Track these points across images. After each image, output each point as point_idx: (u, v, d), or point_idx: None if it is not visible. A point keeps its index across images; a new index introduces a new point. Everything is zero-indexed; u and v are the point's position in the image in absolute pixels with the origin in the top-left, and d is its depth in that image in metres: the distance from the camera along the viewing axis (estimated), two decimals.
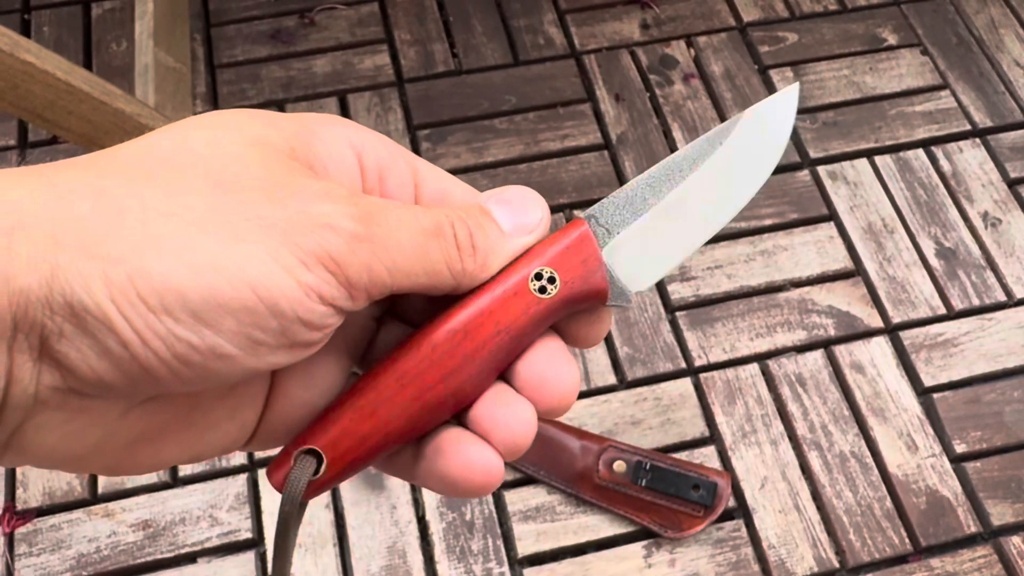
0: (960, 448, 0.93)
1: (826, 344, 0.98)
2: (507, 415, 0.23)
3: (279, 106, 1.13)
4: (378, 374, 0.23)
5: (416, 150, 1.09)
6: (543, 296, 0.24)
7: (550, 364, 0.24)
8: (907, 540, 0.88)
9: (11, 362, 0.18)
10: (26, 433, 0.19)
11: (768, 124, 0.27)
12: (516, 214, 0.24)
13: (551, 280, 0.24)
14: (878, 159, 1.11)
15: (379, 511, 0.88)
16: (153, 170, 0.20)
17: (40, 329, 0.18)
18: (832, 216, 1.07)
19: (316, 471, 0.22)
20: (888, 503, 0.90)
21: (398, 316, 0.27)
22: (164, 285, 0.18)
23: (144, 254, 0.18)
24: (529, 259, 0.24)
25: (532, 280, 0.24)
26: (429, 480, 0.24)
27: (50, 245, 0.17)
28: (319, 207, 0.20)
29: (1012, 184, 1.10)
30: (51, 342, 0.18)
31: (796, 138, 1.13)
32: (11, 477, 0.88)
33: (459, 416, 0.24)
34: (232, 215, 0.19)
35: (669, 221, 0.26)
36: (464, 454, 0.23)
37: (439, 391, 0.23)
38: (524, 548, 0.86)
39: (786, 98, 0.27)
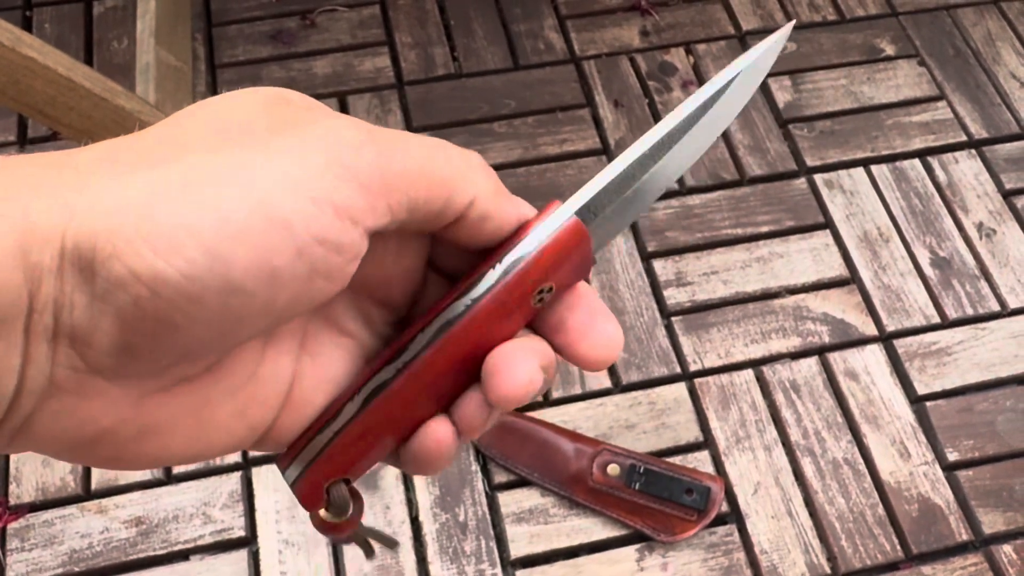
0: (952, 456, 0.93)
1: (820, 351, 0.99)
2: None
3: None
4: (380, 406, 0.23)
5: None
6: (539, 306, 0.24)
7: (591, 318, 0.24)
8: (899, 547, 0.88)
9: (27, 343, 0.18)
10: (40, 419, 0.19)
11: (761, 67, 0.26)
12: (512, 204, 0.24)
13: (549, 291, 0.24)
14: (874, 168, 1.12)
15: (372, 511, 0.88)
16: (166, 133, 0.20)
17: (53, 303, 0.18)
18: (828, 224, 1.08)
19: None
20: (880, 510, 0.90)
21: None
22: (172, 225, 0.18)
23: (150, 200, 0.18)
24: (535, 275, 0.23)
25: (534, 297, 0.24)
26: (404, 462, 0.24)
27: (63, 213, 0.17)
28: (323, 123, 0.20)
29: (1007, 195, 1.11)
30: (63, 315, 0.18)
31: (793, 146, 1.14)
32: (4, 472, 0.88)
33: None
34: (237, 148, 0.19)
35: (650, 187, 0.25)
36: (431, 432, 0.23)
37: (430, 409, 0.24)
38: (517, 550, 0.86)
39: (780, 37, 0.27)
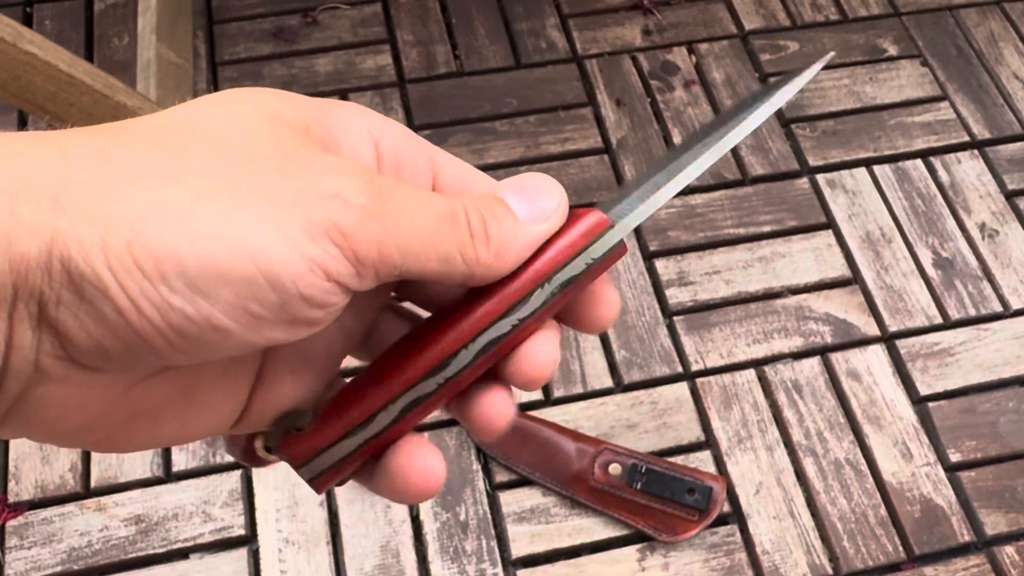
0: (955, 457, 0.93)
1: (823, 351, 0.98)
2: (485, 399, 0.24)
3: None
4: (415, 417, 0.24)
5: None
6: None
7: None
8: (901, 548, 0.88)
9: (11, 329, 0.18)
10: (28, 404, 0.19)
11: (796, 90, 0.27)
12: (532, 202, 0.23)
13: None
14: (877, 168, 1.12)
15: (373, 510, 0.87)
16: (164, 139, 0.19)
17: (39, 295, 0.17)
18: (830, 224, 1.07)
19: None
20: (882, 511, 0.90)
21: (400, 306, 0.26)
22: (162, 252, 0.18)
23: (145, 220, 0.18)
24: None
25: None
26: (384, 484, 0.24)
27: (52, 209, 0.17)
28: (329, 180, 0.20)
29: (1009, 196, 1.11)
30: (48, 309, 0.18)
31: (796, 146, 1.13)
32: (3, 470, 0.88)
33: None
34: (239, 185, 0.19)
35: (670, 191, 0.25)
36: (419, 459, 0.23)
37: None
38: (518, 549, 0.86)
39: (816, 68, 0.27)
